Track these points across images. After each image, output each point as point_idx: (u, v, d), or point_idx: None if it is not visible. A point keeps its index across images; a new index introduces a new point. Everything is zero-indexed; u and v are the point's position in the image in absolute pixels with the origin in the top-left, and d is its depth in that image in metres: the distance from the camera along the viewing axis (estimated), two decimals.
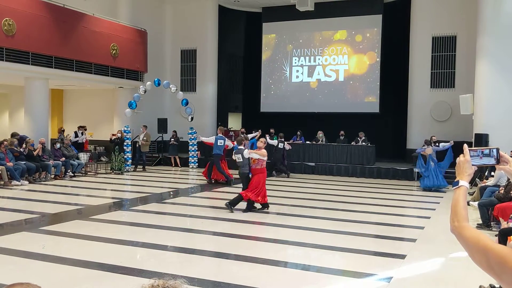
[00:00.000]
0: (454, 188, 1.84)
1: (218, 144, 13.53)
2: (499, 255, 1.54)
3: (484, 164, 1.92)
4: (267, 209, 9.68)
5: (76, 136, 17.33)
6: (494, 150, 1.88)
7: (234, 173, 12.59)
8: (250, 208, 9.52)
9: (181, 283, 1.49)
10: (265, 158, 9.48)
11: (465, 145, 1.94)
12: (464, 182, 1.83)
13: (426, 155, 13.21)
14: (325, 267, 5.97)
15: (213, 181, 13.95)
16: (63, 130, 17.47)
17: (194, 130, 17.76)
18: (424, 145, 13.62)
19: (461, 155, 1.89)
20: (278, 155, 15.98)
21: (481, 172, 12.49)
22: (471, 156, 1.88)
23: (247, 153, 9.53)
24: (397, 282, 5.44)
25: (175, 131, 18.59)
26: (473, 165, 1.87)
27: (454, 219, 1.75)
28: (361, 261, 6.37)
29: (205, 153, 16.10)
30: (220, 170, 13.64)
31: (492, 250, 1.57)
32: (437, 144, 13.95)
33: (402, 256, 6.44)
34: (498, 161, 1.88)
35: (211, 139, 13.84)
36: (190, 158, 18.05)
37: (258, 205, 9.69)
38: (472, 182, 11.55)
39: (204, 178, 14.28)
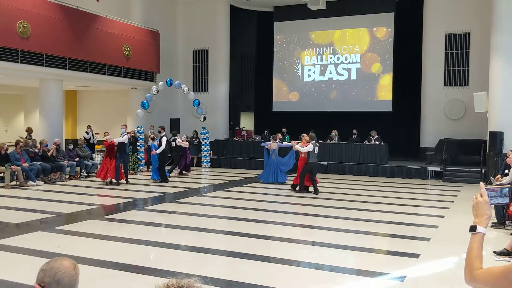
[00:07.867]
0: (471, 233, 1.73)
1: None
2: None
3: (500, 203, 1.81)
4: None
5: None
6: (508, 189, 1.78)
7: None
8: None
9: (195, 281, 1.51)
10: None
11: (481, 184, 1.82)
12: (482, 229, 1.72)
13: (271, 149, 13.96)
14: (338, 266, 5.96)
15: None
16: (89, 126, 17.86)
17: (206, 130, 17.82)
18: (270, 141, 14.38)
19: (478, 195, 1.76)
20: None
21: (496, 170, 12.34)
22: (489, 197, 1.75)
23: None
24: (410, 281, 5.41)
25: (195, 131, 18.62)
26: (491, 204, 1.75)
27: (466, 271, 1.69)
28: (374, 260, 6.36)
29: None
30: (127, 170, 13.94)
31: (509, 269, 1.54)
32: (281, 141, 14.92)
33: (416, 255, 6.40)
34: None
35: (123, 139, 13.43)
36: (203, 158, 18.12)
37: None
38: (487, 182, 11.41)
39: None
